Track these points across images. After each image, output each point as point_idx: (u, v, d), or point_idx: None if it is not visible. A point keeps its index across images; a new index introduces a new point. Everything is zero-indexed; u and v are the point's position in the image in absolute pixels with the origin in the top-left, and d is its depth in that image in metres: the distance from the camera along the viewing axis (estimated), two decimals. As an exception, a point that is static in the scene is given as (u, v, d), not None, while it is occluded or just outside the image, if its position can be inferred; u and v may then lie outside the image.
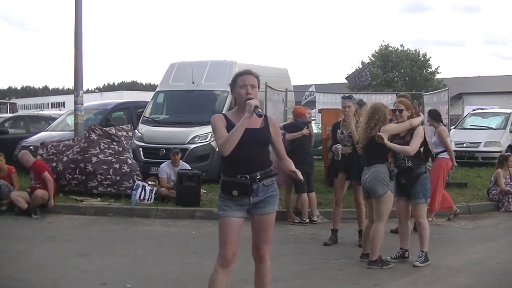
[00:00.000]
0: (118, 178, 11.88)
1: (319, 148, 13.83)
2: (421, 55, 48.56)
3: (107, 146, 12.09)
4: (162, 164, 12.13)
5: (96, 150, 11.99)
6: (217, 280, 4.80)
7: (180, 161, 12.11)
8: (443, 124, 10.49)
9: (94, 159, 11.92)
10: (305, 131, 10.27)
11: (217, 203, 4.97)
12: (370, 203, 7.58)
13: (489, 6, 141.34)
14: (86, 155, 11.98)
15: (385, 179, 7.23)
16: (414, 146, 7.22)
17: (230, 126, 4.73)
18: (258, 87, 4.90)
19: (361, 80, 19.05)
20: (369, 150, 7.42)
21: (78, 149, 12.13)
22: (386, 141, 7.15)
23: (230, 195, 4.74)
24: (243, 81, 4.83)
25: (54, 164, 12.02)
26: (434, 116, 10.32)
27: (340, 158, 8.43)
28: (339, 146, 8.43)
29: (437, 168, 10.29)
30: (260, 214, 4.86)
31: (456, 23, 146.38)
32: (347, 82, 19.73)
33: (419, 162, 7.37)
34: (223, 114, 4.96)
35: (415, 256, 7.46)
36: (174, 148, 12.18)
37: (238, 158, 4.70)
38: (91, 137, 12.16)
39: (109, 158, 11.96)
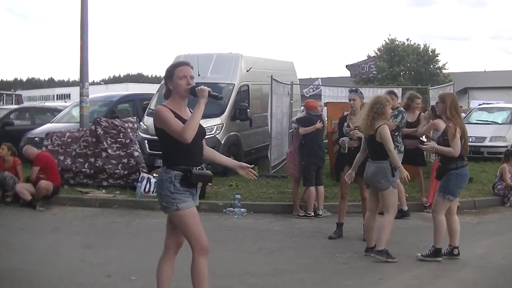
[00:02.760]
0: (126, 172, 11.95)
1: (324, 141, 13.79)
2: (429, 51, 48.37)
3: (114, 140, 12.13)
4: None
5: (104, 145, 12.06)
6: (205, 271, 4.77)
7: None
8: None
9: (104, 154, 12.02)
10: (318, 124, 10.23)
11: (167, 197, 4.71)
12: (371, 193, 7.62)
13: (494, 1, 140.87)
14: (96, 150, 12.08)
15: (386, 176, 7.29)
16: (457, 148, 7.08)
17: (177, 117, 4.70)
18: None
19: (365, 73, 18.96)
20: (371, 144, 7.46)
21: (85, 144, 12.18)
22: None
23: (193, 187, 4.77)
24: (182, 72, 4.82)
25: (62, 158, 12.08)
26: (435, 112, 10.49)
27: (346, 151, 8.43)
28: (345, 139, 8.43)
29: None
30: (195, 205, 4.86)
31: (462, 18, 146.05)
32: (348, 71, 19.44)
33: (447, 158, 7.21)
34: (164, 105, 4.82)
35: (418, 250, 7.46)
36: None
37: (191, 150, 4.72)
38: (98, 132, 12.18)
39: (117, 152, 12.03)
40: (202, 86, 4.74)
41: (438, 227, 7.27)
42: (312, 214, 10.18)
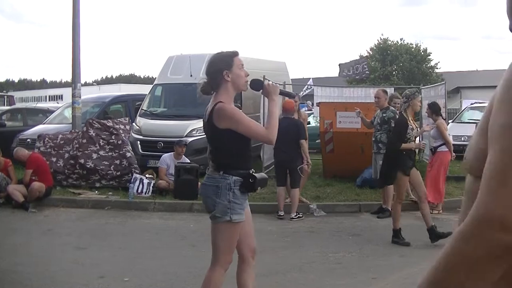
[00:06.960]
0: (118, 173, 11.93)
1: (317, 141, 13.82)
2: (421, 50, 48.50)
3: (106, 141, 12.11)
4: (164, 155, 12.08)
5: (96, 146, 12.04)
6: (220, 282, 4.50)
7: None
8: (442, 118, 10.52)
9: (94, 156, 11.99)
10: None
11: (222, 206, 4.26)
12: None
13: (485, 0, 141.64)
14: (86, 151, 12.04)
15: None
16: None
17: None
18: None
19: (359, 73, 19.00)
20: None
21: (78, 145, 12.15)
22: None
23: (252, 192, 4.39)
24: (240, 61, 4.33)
25: (54, 159, 12.05)
26: (434, 109, 10.35)
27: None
28: (423, 143, 8.08)
29: (437, 162, 10.31)
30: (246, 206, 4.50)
31: (454, 17, 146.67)
32: (339, 69, 19.32)
33: None
34: (223, 102, 4.30)
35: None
36: (181, 141, 12.12)
37: (248, 153, 4.36)
38: (90, 133, 12.15)
39: (110, 153, 12.02)
40: (271, 82, 4.30)
41: None
42: (302, 215, 10.04)
